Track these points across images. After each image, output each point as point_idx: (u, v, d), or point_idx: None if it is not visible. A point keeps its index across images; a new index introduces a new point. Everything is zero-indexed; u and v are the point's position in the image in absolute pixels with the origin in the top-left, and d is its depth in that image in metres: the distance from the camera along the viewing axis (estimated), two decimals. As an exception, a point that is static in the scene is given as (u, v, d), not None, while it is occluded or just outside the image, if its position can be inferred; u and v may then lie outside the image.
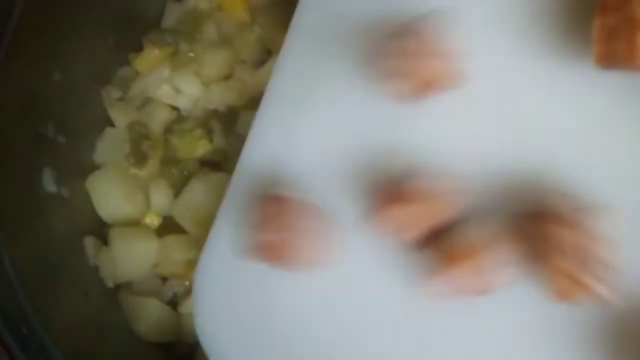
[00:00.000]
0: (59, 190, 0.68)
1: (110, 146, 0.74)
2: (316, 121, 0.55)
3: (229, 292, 0.56)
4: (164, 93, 0.76)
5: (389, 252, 0.51)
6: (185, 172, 0.73)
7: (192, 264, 0.71)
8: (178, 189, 0.72)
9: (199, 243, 0.69)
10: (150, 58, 0.76)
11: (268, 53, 0.78)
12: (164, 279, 0.72)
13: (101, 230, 0.72)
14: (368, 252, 0.52)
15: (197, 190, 0.69)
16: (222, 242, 0.57)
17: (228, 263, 0.56)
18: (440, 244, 0.47)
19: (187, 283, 0.72)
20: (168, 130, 0.75)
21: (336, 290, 0.53)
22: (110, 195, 0.72)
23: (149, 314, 0.70)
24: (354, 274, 0.52)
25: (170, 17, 0.79)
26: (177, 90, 0.76)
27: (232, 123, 0.74)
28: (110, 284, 0.71)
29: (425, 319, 0.50)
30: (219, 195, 0.69)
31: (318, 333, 0.53)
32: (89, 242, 0.71)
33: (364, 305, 0.52)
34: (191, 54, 0.77)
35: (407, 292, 0.51)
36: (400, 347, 0.51)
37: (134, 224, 0.73)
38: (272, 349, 0.54)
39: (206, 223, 0.69)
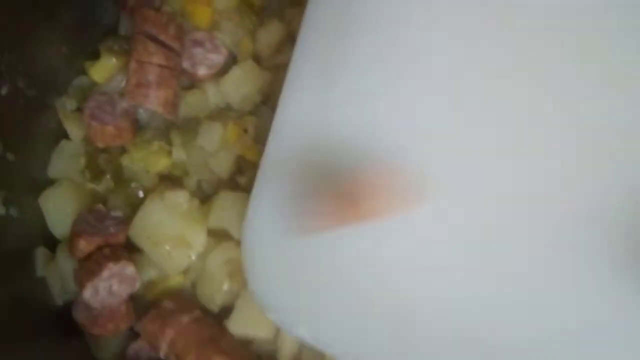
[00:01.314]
0: (8, 212, 0.65)
1: (65, 160, 0.71)
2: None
3: (280, 249, 0.56)
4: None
5: None
6: (143, 188, 0.70)
7: (151, 285, 0.68)
8: (136, 205, 0.68)
9: (156, 263, 0.67)
10: (107, 66, 0.72)
11: (233, 59, 0.74)
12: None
13: (53, 250, 0.69)
14: None
15: (154, 210, 0.66)
16: (266, 203, 0.57)
17: (275, 223, 0.56)
18: None
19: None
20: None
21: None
22: (65, 212, 0.69)
23: (112, 342, 0.68)
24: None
25: (128, 23, 0.75)
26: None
27: (193, 135, 0.70)
28: (59, 301, 0.68)
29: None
30: (176, 214, 0.67)
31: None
32: (40, 253, 0.68)
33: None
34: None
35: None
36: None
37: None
38: (328, 300, 0.55)
39: (164, 243, 0.66)
